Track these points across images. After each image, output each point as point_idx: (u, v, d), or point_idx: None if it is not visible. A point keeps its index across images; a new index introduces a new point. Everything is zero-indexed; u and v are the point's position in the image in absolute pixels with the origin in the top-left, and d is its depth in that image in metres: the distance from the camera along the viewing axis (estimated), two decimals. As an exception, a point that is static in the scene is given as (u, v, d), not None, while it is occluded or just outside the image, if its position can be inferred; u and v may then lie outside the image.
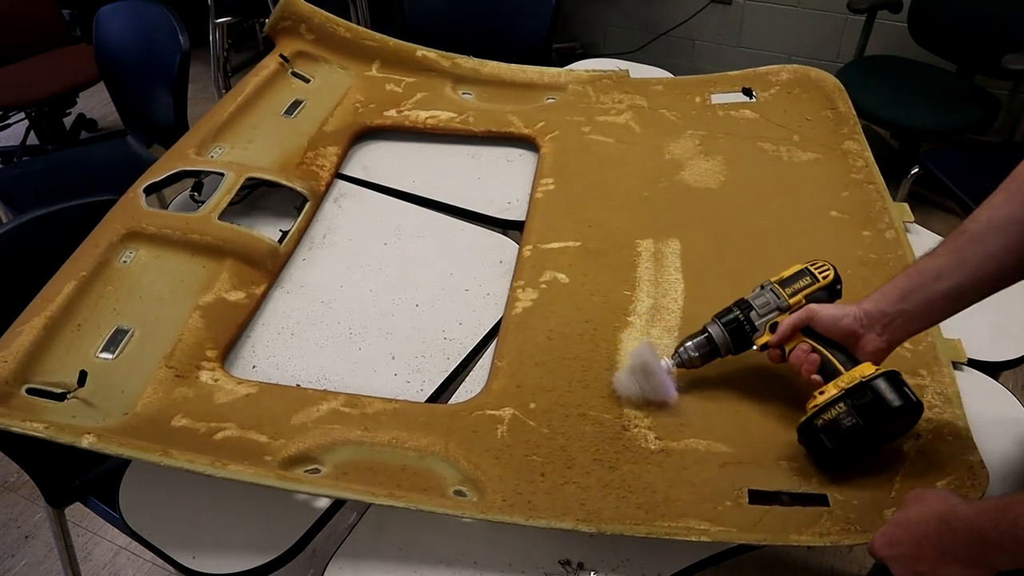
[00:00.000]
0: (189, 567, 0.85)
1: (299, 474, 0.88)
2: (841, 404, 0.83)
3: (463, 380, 1.04)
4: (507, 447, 0.92)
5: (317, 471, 0.89)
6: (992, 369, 1.03)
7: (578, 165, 1.40)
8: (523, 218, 1.31)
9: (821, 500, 0.85)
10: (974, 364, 1.03)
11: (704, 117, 1.52)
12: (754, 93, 1.56)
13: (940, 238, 1.24)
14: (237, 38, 3.45)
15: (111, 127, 3.23)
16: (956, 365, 1.02)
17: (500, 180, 1.43)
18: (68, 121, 3.05)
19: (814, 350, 0.88)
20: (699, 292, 1.12)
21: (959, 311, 0.84)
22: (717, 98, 1.57)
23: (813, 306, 0.90)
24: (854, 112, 1.48)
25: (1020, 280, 0.81)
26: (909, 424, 0.87)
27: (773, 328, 0.93)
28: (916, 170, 2.15)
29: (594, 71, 1.66)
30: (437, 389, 1.02)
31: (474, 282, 1.20)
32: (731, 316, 0.95)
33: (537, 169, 1.41)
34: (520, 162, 1.47)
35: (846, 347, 0.88)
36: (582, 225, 1.25)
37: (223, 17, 3.11)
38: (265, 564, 0.85)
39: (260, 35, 3.67)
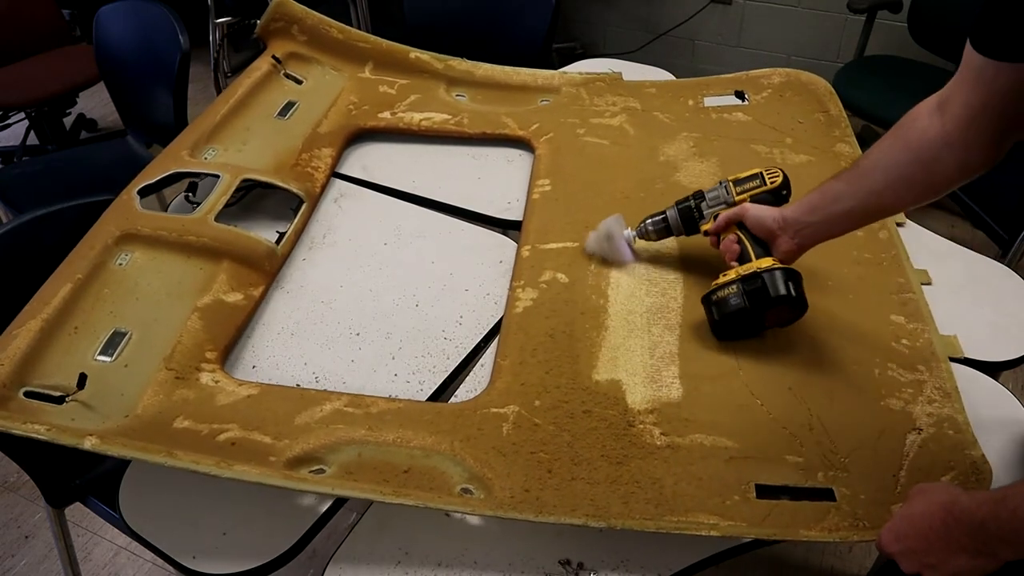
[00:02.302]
0: (189, 567, 0.85)
1: (304, 474, 0.88)
2: (734, 286, 1.00)
3: (463, 380, 1.04)
4: (513, 444, 0.92)
5: (322, 471, 0.89)
6: (992, 369, 1.04)
7: (573, 167, 1.40)
8: (522, 218, 1.31)
9: (827, 495, 0.85)
10: (974, 364, 1.03)
11: (697, 119, 1.52)
12: (746, 96, 1.57)
13: (934, 235, 1.26)
14: (238, 38, 3.45)
15: (111, 127, 3.23)
16: (954, 361, 1.02)
17: (500, 180, 1.43)
18: (68, 121, 3.04)
19: (739, 241, 1.04)
20: (698, 290, 1.12)
21: (857, 228, 0.99)
22: (710, 101, 1.57)
23: (747, 205, 1.06)
24: (845, 115, 1.50)
25: (901, 210, 0.98)
26: (792, 317, 1.01)
27: (717, 219, 1.08)
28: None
29: (587, 73, 1.66)
30: (437, 389, 1.02)
31: (474, 282, 1.20)
32: (686, 204, 1.13)
33: (533, 170, 1.41)
34: (520, 162, 1.47)
35: (767, 244, 1.02)
36: (579, 226, 1.25)
37: (223, 17, 3.11)
38: (265, 564, 0.85)
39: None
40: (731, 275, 1.01)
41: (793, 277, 0.98)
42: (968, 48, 0.79)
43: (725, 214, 1.06)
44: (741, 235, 1.04)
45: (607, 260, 1.17)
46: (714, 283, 1.03)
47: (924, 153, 0.85)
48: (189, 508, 0.91)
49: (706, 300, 1.04)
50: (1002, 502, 0.64)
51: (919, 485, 0.76)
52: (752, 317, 0.99)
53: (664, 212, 1.14)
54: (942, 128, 0.84)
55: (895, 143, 0.89)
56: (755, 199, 1.07)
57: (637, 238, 1.17)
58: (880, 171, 0.90)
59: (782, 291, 0.97)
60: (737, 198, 1.08)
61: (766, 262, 0.99)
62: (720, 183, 1.11)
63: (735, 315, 1.00)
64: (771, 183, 1.08)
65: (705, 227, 1.10)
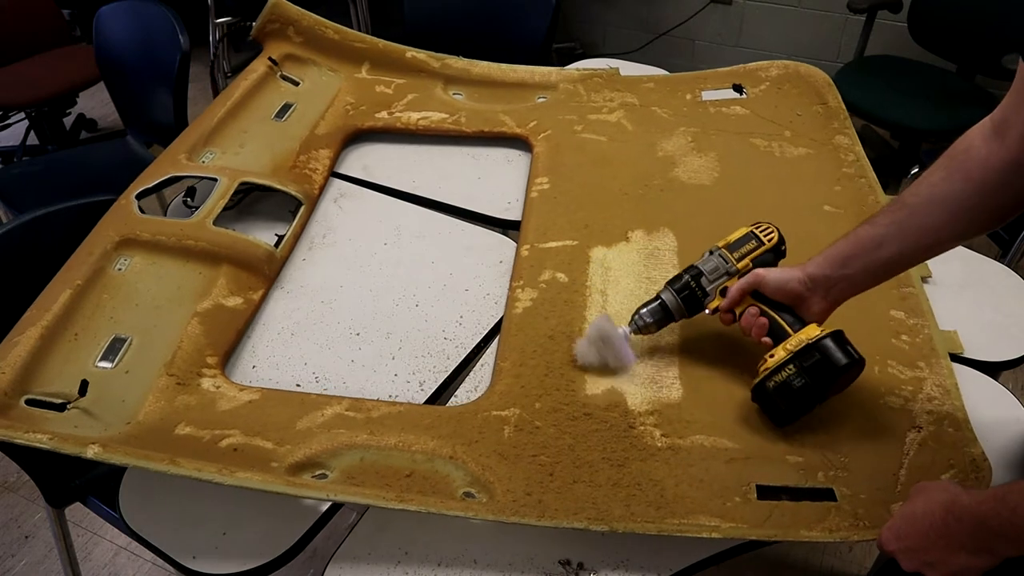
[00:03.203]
0: (189, 567, 0.85)
1: (307, 479, 0.88)
2: (791, 366, 0.88)
3: (463, 380, 1.04)
4: (514, 447, 0.92)
5: (324, 476, 0.89)
6: (992, 369, 1.03)
7: (572, 164, 1.40)
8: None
9: (828, 495, 0.85)
10: (974, 364, 1.03)
11: (695, 114, 1.52)
12: (744, 89, 1.57)
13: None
14: (238, 38, 3.45)
15: (111, 127, 3.23)
16: (954, 357, 1.02)
17: (500, 180, 1.43)
18: (68, 121, 3.04)
19: (763, 313, 0.93)
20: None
21: (897, 274, 0.91)
22: (708, 95, 1.57)
23: (760, 271, 0.94)
24: (844, 107, 1.49)
25: (956, 246, 0.88)
26: (853, 377, 0.91)
27: (724, 292, 0.98)
28: (916, 170, 2.15)
29: (584, 69, 1.66)
30: (437, 389, 1.02)
31: (474, 282, 1.20)
32: (683, 283, 1.00)
33: (531, 168, 1.41)
34: (520, 162, 1.47)
35: (793, 308, 0.92)
36: (578, 224, 1.25)
37: (223, 17, 3.11)
38: (265, 564, 0.85)
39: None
40: (780, 354, 0.90)
41: (843, 339, 0.89)
42: (1022, 65, 0.77)
43: (738, 286, 0.95)
44: (763, 307, 0.93)
45: (608, 368, 1.01)
46: (761, 369, 0.91)
47: (989, 180, 0.80)
48: (189, 508, 0.90)
49: (760, 390, 0.91)
50: (1003, 500, 0.65)
51: (920, 484, 0.76)
52: (818, 394, 0.89)
53: (659, 298, 1.00)
54: (1006, 152, 0.79)
55: (950, 175, 0.83)
56: (756, 262, 0.98)
57: (632, 334, 1.01)
58: (936, 207, 0.84)
59: (844, 360, 0.87)
60: (739, 265, 0.98)
61: (813, 330, 0.90)
62: (711, 252, 1.00)
63: (802, 397, 0.88)
64: (769, 241, 0.99)
65: (713, 305, 0.99)
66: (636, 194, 1.32)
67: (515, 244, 1.25)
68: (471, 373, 1.05)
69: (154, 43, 1.96)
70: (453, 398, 1.02)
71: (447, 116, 1.54)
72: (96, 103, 3.31)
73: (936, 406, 0.94)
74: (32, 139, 2.97)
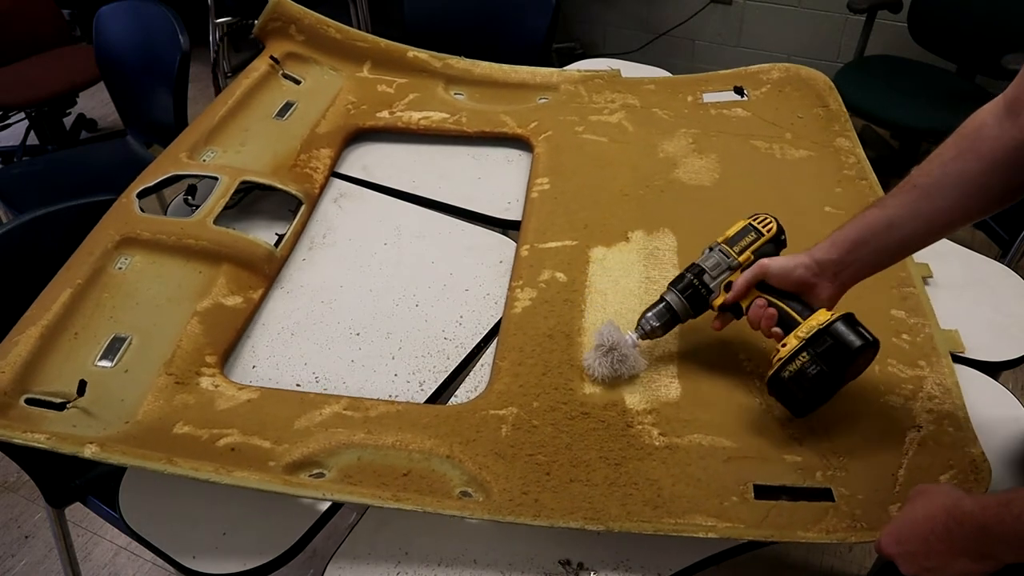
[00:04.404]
0: (189, 567, 0.85)
1: (304, 479, 0.88)
2: (804, 353, 0.86)
3: (463, 380, 1.04)
4: (511, 446, 0.92)
5: (322, 475, 0.89)
6: (992, 369, 1.03)
7: (573, 164, 1.40)
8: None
9: (826, 495, 0.85)
10: (974, 364, 1.03)
11: (696, 116, 1.52)
12: (745, 92, 1.57)
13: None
14: (238, 38, 3.45)
15: (111, 127, 3.23)
16: (955, 357, 1.02)
17: (500, 180, 1.43)
18: (68, 121, 3.04)
19: (770, 304, 0.91)
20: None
21: (908, 255, 0.89)
22: (709, 97, 1.57)
23: (764, 261, 0.93)
24: (845, 110, 1.49)
25: (964, 226, 0.87)
26: (868, 361, 0.90)
27: (728, 287, 0.96)
28: (916, 170, 2.15)
29: (586, 71, 1.66)
30: (437, 389, 1.02)
31: (474, 282, 1.20)
32: (686, 282, 0.98)
33: (532, 169, 1.41)
34: (520, 162, 1.47)
35: (800, 296, 0.91)
36: (578, 224, 1.25)
37: (223, 17, 3.11)
38: (265, 564, 0.85)
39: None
40: (792, 342, 0.87)
41: (855, 321, 0.88)
42: None
43: (743, 278, 0.93)
44: (770, 297, 0.92)
45: (619, 377, 0.98)
46: (775, 359, 0.89)
47: (1002, 159, 0.81)
48: (189, 508, 0.91)
49: (776, 381, 0.89)
50: (1006, 506, 0.64)
51: (920, 486, 0.76)
52: (834, 380, 0.87)
53: (663, 300, 0.99)
54: (1018, 131, 0.80)
55: (962, 155, 0.83)
56: (758, 254, 0.96)
57: (640, 339, 0.99)
58: (949, 188, 0.84)
59: (858, 342, 0.85)
60: (741, 259, 0.96)
61: (823, 315, 0.88)
62: (711, 248, 0.98)
63: (818, 385, 0.86)
64: (768, 232, 0.98)
65: (719, 301, 0.96)
66: (636, 195, 1.32)
67: (515, 244, 1.25)
68: (471, 373, 1.05)
69: (154, 43, 1.96)
70: (453, 398, 1.02)
71: (448, 116, 1.54)
72: (96, 103, 3.31)
73: (936, 405, 0.94)
74: (32, 139, 2.97)
